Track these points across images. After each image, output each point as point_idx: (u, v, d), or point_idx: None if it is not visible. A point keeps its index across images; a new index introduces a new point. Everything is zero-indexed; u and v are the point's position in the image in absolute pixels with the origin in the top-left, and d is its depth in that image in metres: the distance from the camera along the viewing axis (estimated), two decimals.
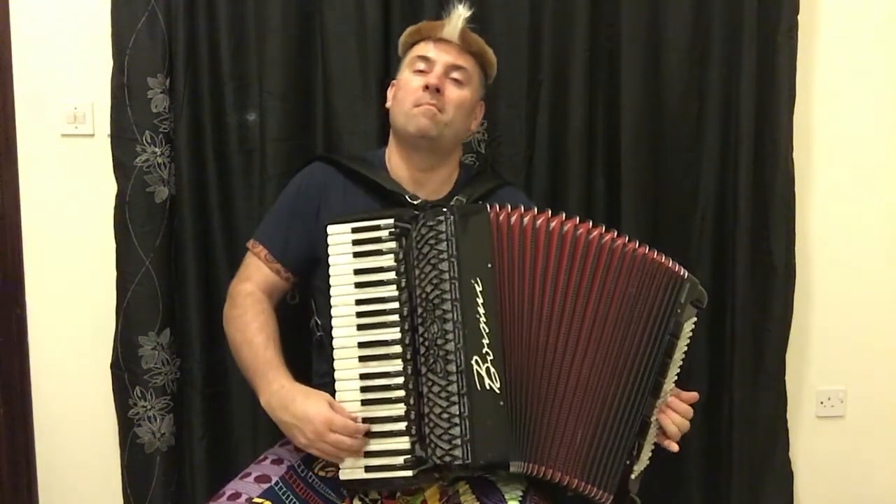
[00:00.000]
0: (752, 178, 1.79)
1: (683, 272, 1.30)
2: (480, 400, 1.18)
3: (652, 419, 1.26)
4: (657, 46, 1.80)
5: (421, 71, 1.40)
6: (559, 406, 1.24)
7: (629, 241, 1.28)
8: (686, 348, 1.30)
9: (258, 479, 1.28)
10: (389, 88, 1.50)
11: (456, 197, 1.41)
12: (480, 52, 1.44)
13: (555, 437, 1.23)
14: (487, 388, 1.19)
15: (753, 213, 1.80)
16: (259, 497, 1.23)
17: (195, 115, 1.74)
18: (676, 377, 1.30)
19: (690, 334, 1.31)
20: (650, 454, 1.29)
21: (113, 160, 1.74)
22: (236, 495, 1.24)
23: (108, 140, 1.75)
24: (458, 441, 1.17)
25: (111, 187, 1.75)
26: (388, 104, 1.48)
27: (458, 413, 1.18)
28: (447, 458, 1.17)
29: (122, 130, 1.73)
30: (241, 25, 1.76)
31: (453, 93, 1.39)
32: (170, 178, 1.75)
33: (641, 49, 1.77)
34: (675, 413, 1.28)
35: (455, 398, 1.18)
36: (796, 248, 1.86)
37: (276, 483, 1.28)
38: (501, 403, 1.19)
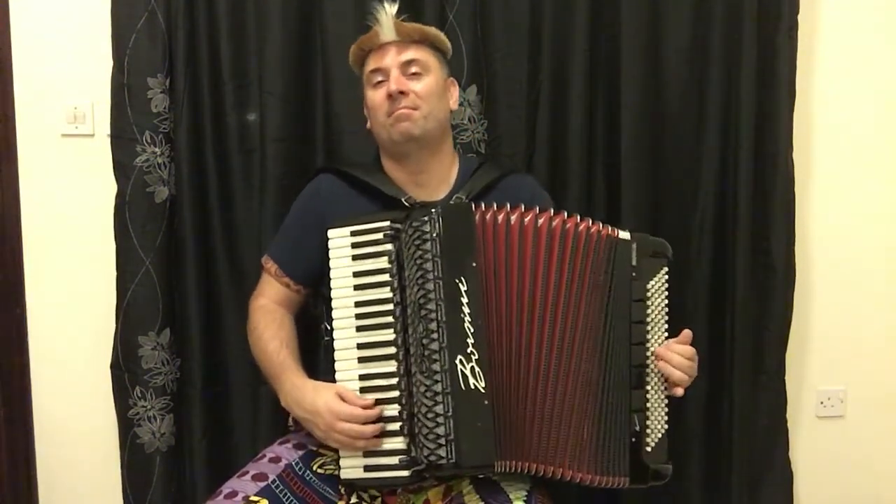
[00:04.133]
0: (752, 178, 1.79)
1: (621, 233, 1.30)
2: (465, 399, 1.18)
3: (648, 387, 1.26)
4: (657, 46, 1.79)
5: (380, 82, 1.41)
6: (562, 402, 1.25)
7: (592, 223, 1.28)
8: (666, 304, 1.29)
9: (255, 478, 1.29)
10: (364, 110, 1.49)
11: (455, 195, 1.42)
12: (423, 36, 1.43)
13: (551, 434, 1.24)
14: (472, 387, 1.19)
15: (753, 213, 1.80)
16: (256, 495, 1.24)
17: (195, 115, 1.74)
18: (666, 335, 1.29)
19: (665, 288, 1.29)
20: (665, 420, 1.28)
21: (113, 160, 1.75)
22: (233, 494, 1.25)
23: (108, 140, 1.75)
24: (443, 440, 1.17)
25: (111, 187, 1.75)
26: (368, 126, 1.49)
27: (442, 412, 1.18)
28: (433, 458, 1.18)
29: (122, 130, 1.73)
30: (241, 25, 1.76)
31: (417, 86, 1.39)
32: (170, 178, 1.76)
33: (641, 49, 1.77)
34: (674, 356, 1.27)
35: (440, 397, 1.19)
36: (796, 248, 1.86)
37: (273, 481, 1.28)
38: (486, 402, 1.19)
